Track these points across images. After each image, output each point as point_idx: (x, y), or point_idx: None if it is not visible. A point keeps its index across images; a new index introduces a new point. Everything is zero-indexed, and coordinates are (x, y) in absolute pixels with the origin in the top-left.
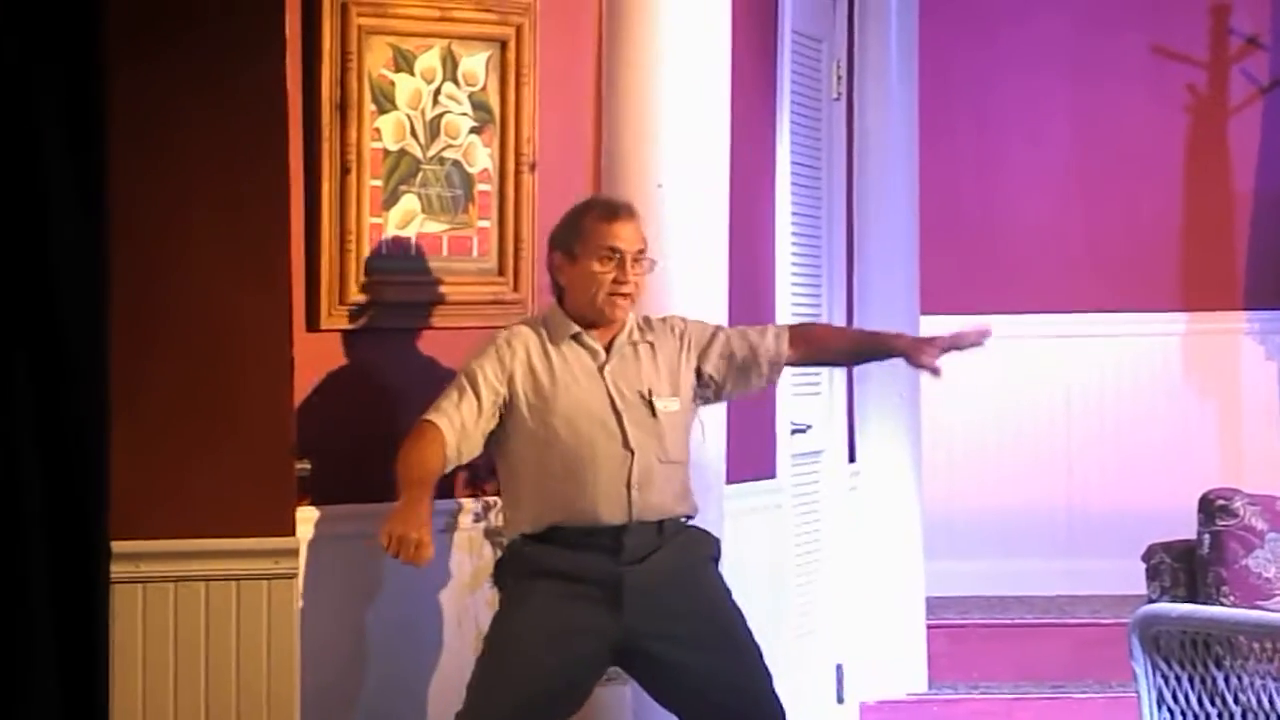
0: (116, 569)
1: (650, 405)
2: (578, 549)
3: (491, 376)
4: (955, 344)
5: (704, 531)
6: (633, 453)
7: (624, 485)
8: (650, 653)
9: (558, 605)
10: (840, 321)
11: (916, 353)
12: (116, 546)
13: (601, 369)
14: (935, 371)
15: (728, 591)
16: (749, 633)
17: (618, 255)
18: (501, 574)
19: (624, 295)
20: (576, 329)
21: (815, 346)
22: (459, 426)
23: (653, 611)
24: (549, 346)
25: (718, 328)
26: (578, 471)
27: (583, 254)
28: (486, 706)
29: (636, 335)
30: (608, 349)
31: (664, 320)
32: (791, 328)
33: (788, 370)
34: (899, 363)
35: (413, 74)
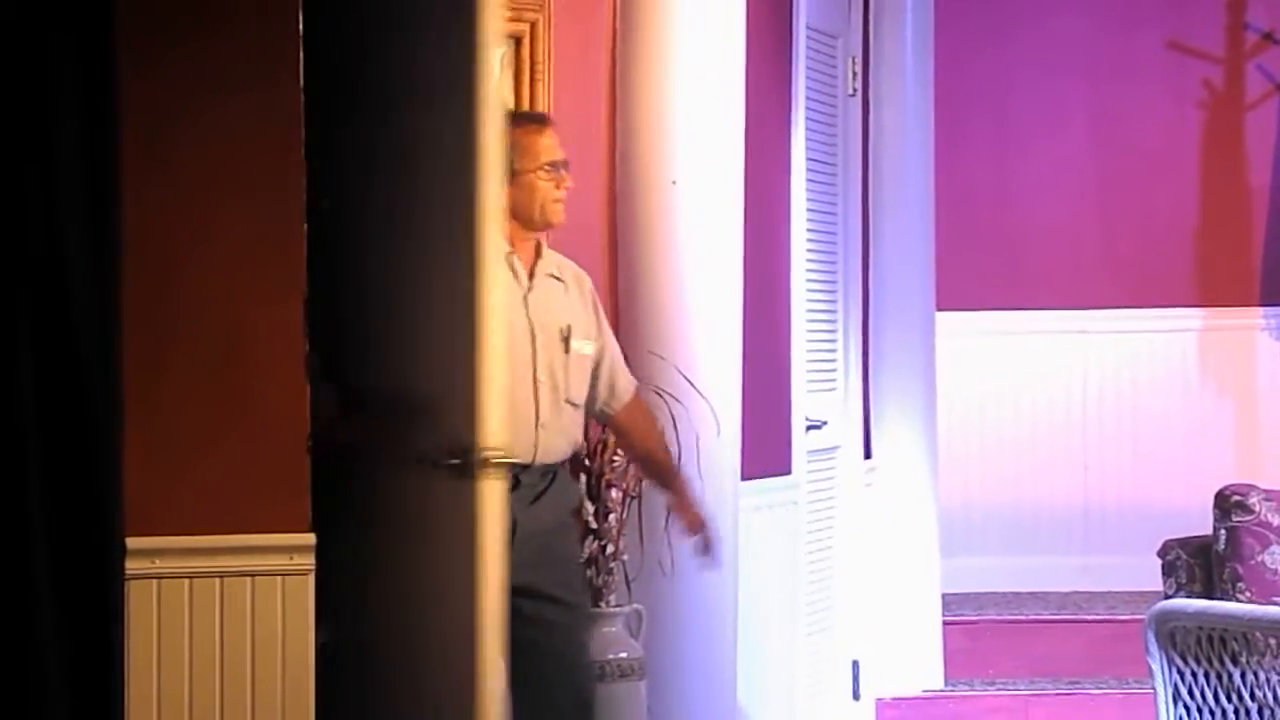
0: (132, 565)
1: (566, 342)
2: None
3: None
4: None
5: (570, 478)
6: (538, 389)
7: (532, 424)
8: None
9: None
10: (856, 322)
11: (679, 511)
12: (131, 543)
13: (525, 298)
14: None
15: (577, 554)
16: (581, 596)
17: (557, 167)
18: None
19: (562, 201)
20: (508, 247)
21: (622, 439)
22: None
23: (523, 563)
24: None
25: (606, 337)
26: None
27: (523, 169)
28: None
29: (554, 269)
30: (530, 275)
31: (576, 272)
32: (621, 411)
33: (805, 365)
34: (915, 361)
35: None
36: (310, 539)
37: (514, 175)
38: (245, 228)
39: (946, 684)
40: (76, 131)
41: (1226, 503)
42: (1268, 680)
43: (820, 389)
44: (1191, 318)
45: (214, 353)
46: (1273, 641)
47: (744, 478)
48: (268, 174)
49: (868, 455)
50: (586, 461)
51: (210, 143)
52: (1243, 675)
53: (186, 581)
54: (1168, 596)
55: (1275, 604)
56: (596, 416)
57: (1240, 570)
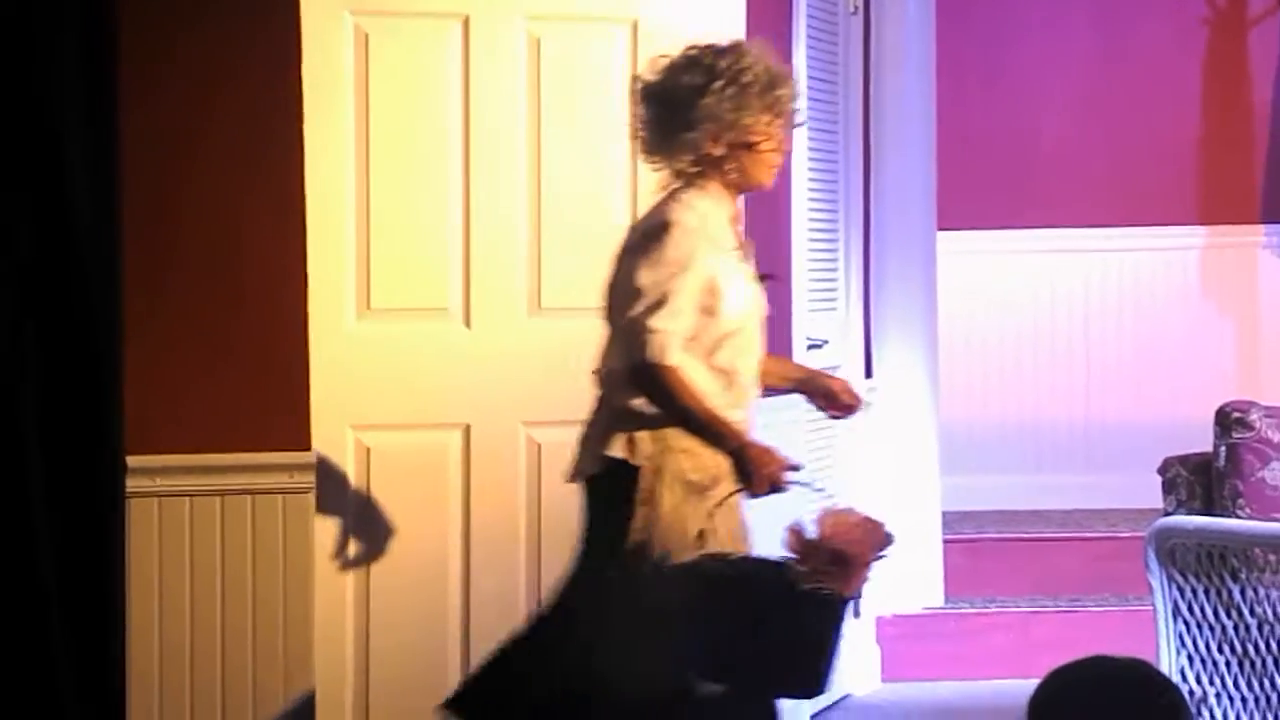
0: (132, 483)
1: None
2: None
3: None
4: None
5: None
6: None
7: None
8: None
9: None
10: (857, 242)
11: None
12: (132, 461)
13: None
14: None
15: None
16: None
17: None
18: None
19: None
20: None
21: None
22: None
23: None
24: None
25: None
26: None
27: None
28: None
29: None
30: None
31: None
32: None
33: (805, 285)
34: (916, 280)
35: None
36: (310, 457)
37: None
38: (240, 143)
39: (947, 602)
40: (76, 45)
41: (1227, 419)
42: (1267, 596)
43: (821, 309)
44: (1193, 235)
45: (214, 271)
46: (1272, 558)
47: None
48: (262, 87)
49: (868, 375)
50: None
51: (204, 55)
52: (1242, 591)
53: (187, 499)
54: (1168, 514)
55: (1275, 520)
56: None
57: (1240, 487)
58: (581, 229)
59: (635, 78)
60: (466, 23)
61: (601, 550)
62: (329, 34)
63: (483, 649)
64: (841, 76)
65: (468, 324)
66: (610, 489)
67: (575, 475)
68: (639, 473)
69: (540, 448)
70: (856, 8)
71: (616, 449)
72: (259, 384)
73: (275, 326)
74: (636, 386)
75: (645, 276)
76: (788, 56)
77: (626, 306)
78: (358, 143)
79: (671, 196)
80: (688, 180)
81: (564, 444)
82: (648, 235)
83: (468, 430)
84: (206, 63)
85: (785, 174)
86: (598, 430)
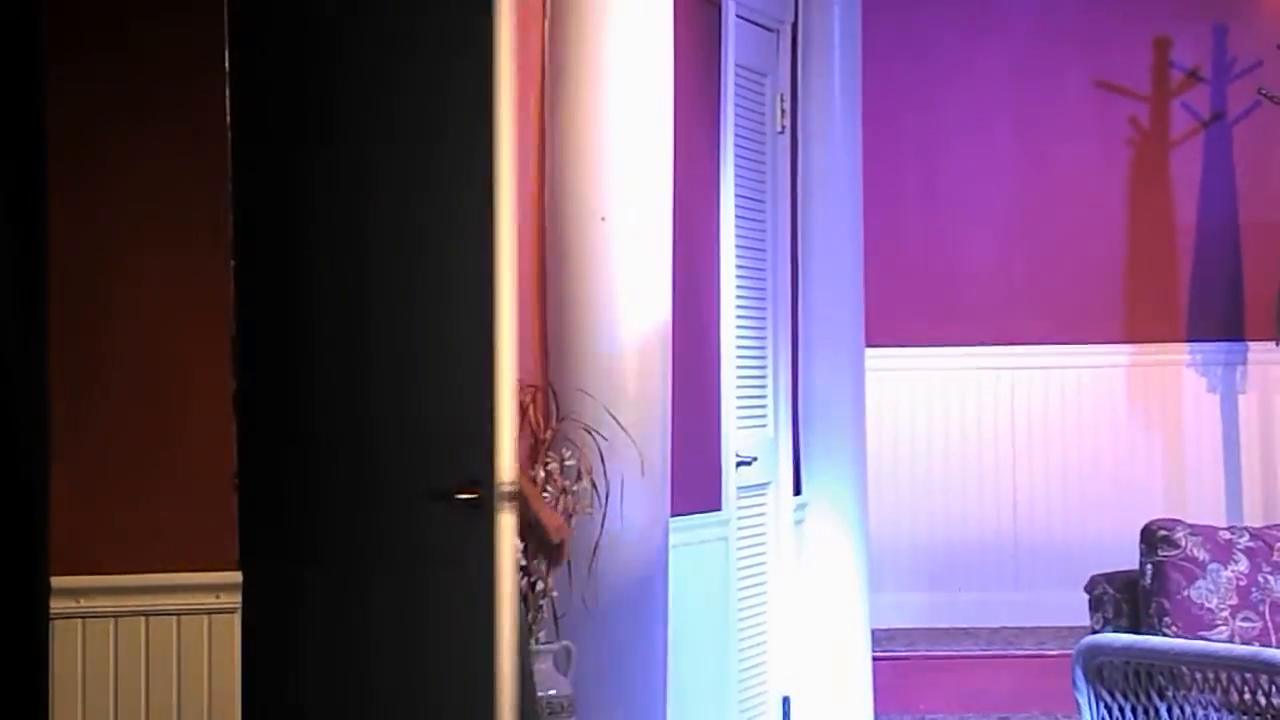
0: (56, 604)
1: None
2: None
3: None
4: None
5: None
6: None
7: None
8: None
9: None
10: (786, 358)
11: None
12: (56, 582)
13: None
14: None
15: None
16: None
17: None
18: None
19: None
20: None
21: None
22: None
23: None
24: None
25: None
26: None
27: None
28: None
29: None
30: None
31: None
32: None
33: (735, 402)
34: (844, 397)
35: None
36: (236, 577)
37: None
38: (171, 268)
39: (876, 719)
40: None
41: (1153, 538)
42: (1194, 714)
43: (750, 425)
44: (1119, 354)
45: (139, 391)
46: (1199, 676)
47: (674, 514)
48: (190, 204)
49: (797, 491)
50: None
51: (133, 175)
52: (1169, 709)
53: (111, 621)
54: (1095, 631)
55: (1201, 638)
56: None
57: (1167, 605)
58: None
59: None
60: None
61: None
62: None
63: None
64: (769, 195)
65: None
66: None
67: None
68: None
69: None
70: (784, 127)
71: None
72: (184, 503)
73: (200, 445)
74: None
75: None
76: (715, 175)
77: None
78: None
79: None
80: None
81: None
82: None
83: None
84: (140, 181)
85: (714, 290)
86: None
